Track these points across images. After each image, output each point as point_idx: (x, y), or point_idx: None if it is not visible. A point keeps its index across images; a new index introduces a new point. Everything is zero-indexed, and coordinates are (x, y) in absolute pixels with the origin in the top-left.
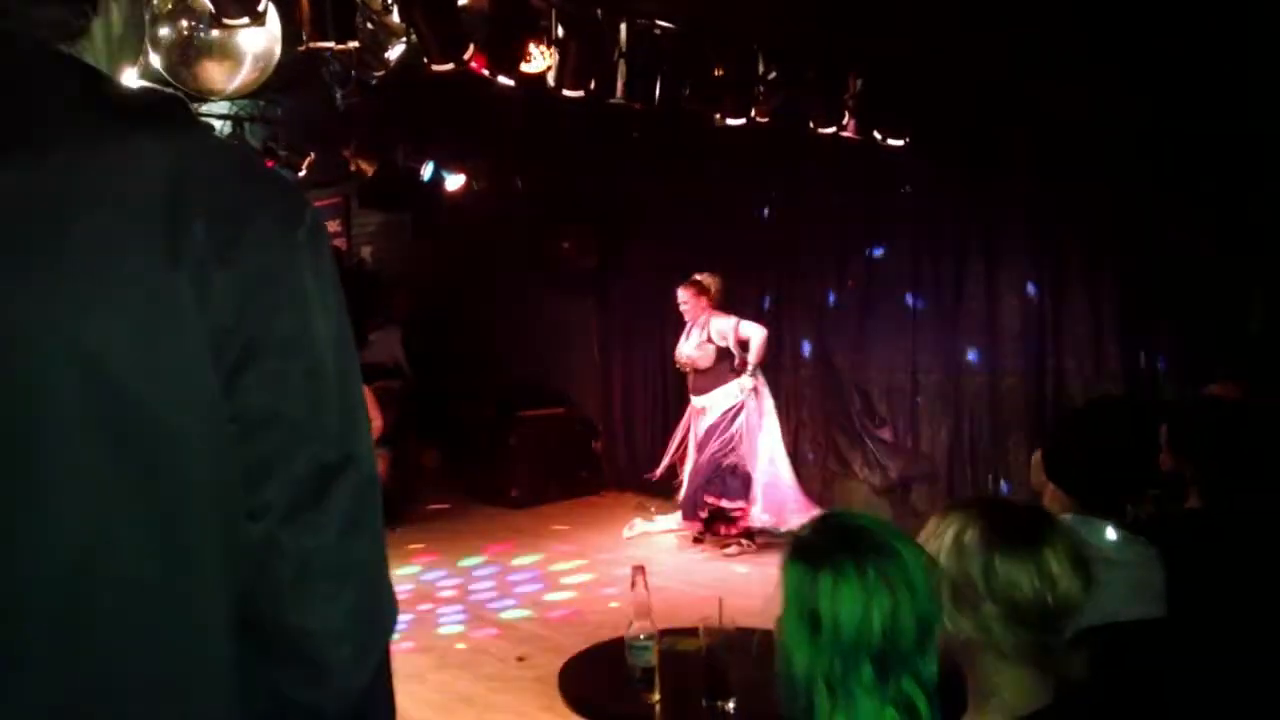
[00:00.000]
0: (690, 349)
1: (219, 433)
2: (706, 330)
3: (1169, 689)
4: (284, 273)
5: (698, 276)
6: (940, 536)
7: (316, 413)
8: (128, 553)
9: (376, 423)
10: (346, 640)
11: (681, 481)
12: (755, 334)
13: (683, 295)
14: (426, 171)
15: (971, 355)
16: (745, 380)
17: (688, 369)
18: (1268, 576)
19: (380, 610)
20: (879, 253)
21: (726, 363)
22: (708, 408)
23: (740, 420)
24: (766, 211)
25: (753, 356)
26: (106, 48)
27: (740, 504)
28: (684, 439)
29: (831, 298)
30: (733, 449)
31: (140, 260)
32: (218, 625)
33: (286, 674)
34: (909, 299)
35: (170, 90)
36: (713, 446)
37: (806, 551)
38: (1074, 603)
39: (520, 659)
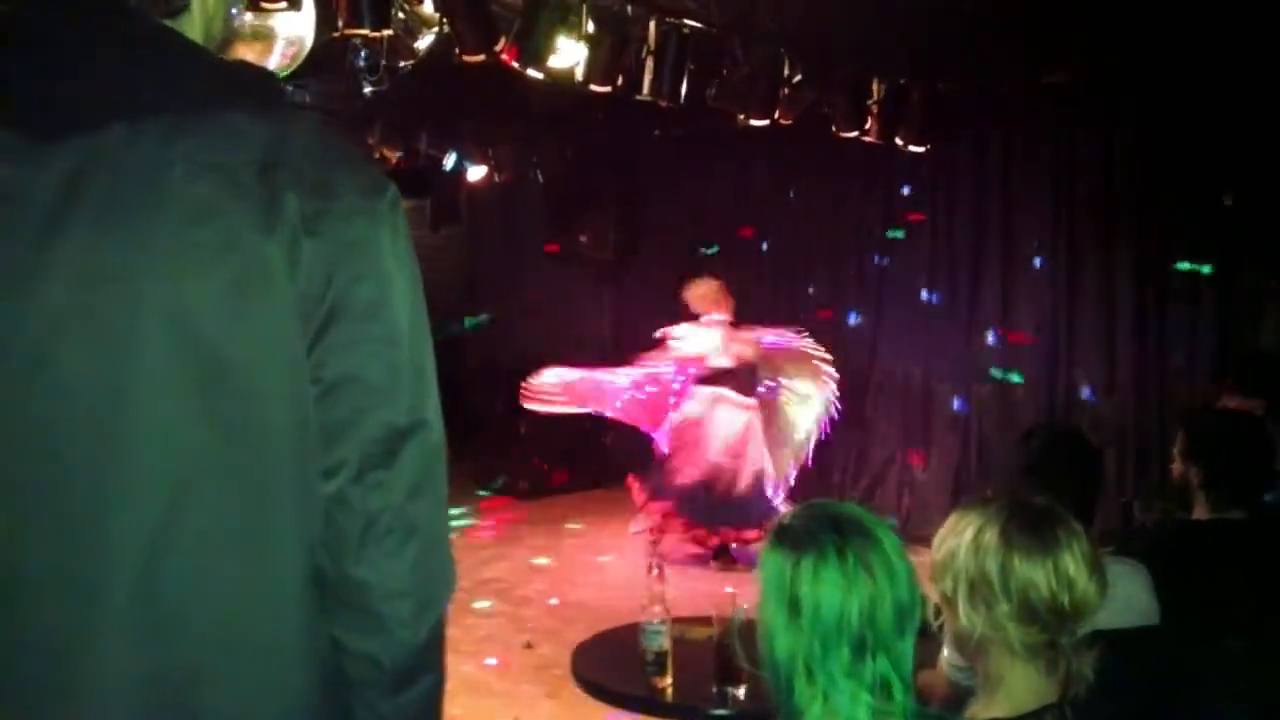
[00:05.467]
0: (717, 351)
1: (302, 393)
2: (728, 337)
3: (1159, 695)
4: (366, 243)
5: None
6: (959, 534)
7: (392, 378)
8: (210, 504)
9: None
10: (407, 597)
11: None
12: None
13: (707, 290)
14: (449, 162)
15: (983, 359)
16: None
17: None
18: (1266, 584)
19: (441, 571)
20: (893, 254)
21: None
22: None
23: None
24: (782, 209)
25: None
26: (203, 24)
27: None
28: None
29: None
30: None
31: (236, 226)
32: (292, 576)
33: (348, 625)
34: (923, 301)
35: (264, 67)
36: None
37: (788, 537)
38: (1089, 605)
39: (528, 646)
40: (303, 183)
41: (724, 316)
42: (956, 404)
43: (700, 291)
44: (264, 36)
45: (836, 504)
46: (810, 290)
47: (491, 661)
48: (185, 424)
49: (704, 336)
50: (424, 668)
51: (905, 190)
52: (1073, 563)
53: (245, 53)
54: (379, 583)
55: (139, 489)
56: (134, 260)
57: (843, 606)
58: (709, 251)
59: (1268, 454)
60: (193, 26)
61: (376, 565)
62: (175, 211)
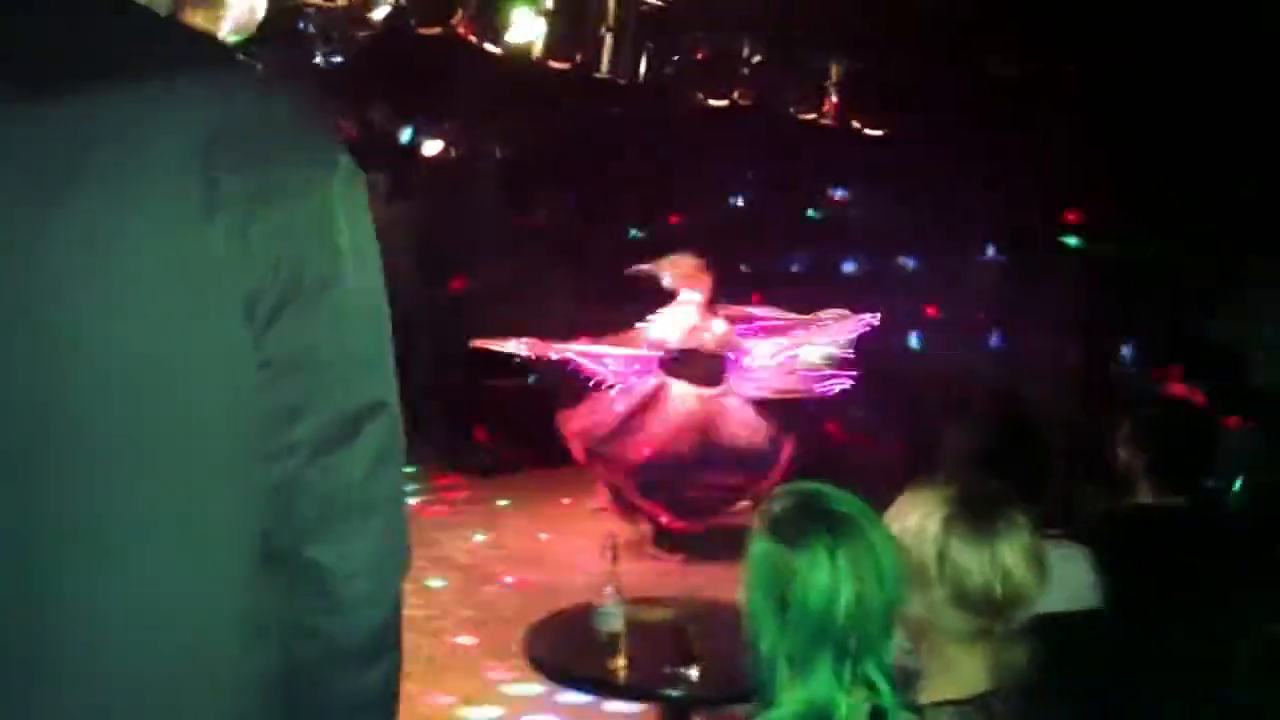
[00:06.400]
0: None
1: (246, 379)
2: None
3: (1104, 679)
4: (317, 219)
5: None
6: (906, 516)
7: (347, 359)
8: (147, 498)
9: None
10: (366, 576)
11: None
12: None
13: (685, 267)
14: (405, 135)
15: (935, 345)
16: None
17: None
18: (1207, 569)
19: (398, 549)
20: (850, 236)
21: None
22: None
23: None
24: (741, 189)
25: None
26: None
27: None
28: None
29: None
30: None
31: (170, 210)
32: (235, 563)
33: (307, 606)
34: (871, 281)
35: (211, 32)
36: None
37: (779, 529)
38: (1025, 595)
39: (483, 623)
40: (249, 158)
41: (699, 295)
42: (904, 386)
43: (678, 269)
44: (214, 3)
45: (830, 494)
46: (764, 269)
47: (442, 640)
48: (118, 418)
49: (674, 318)
50: (384, 647)
51: (858, 173)
52: (1010, 553)
53: (193, 19)
54: (337, 564)
55: (76, 488)
56: (57, 242)
57: (830, 609)
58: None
59: (1210, 442)
60: None
61: (334, 546)
62: (104, 195)
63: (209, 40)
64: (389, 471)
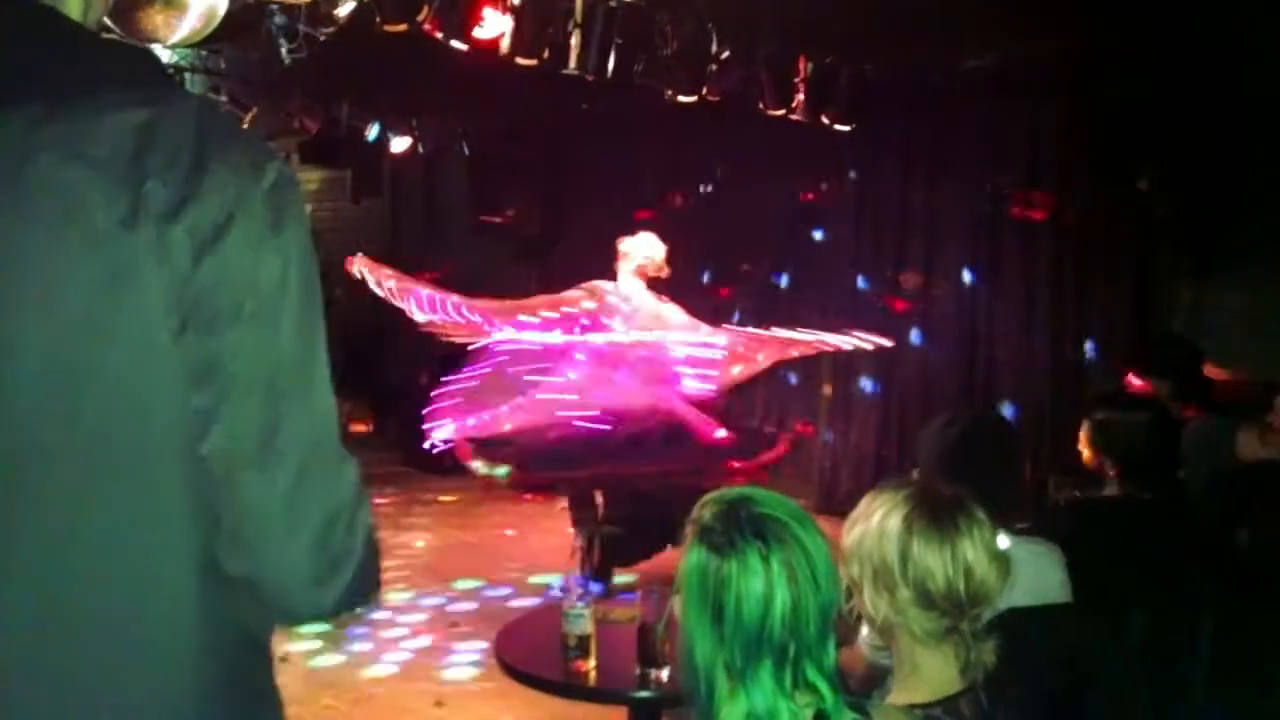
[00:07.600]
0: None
1: (179, 388)
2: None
3: (1080, 671)
4: (239, 227)
5: None
6: (868, 519)
7: (268, 363)
8: (93, 504)
9: None
10: (302, 583)
11: None
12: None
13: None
14: (372, 132)
15: (904, 340)
16: None
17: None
18: (1170, 558)
19: (342, 552)
20: (819, 235)
21: None
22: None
23: None
24: (710, 187)
25: None
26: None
27: None
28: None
29: (776, 277)
30: None
31: (102, 220)
32: (184, 571)
33: (248, 616)
34: (847, 281)
35: (140, 44)
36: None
37: (711, 538)
38: (987, 592)
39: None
40: (174, 168)
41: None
42: (876, 387)
43: (651, 249)
44: (176, 3)
45: (759, 498)
46: (734, 268)
47: (416, 639)
48: (58, 430)
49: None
50: (343, 604)
51: (832, 169)
52: (971, 550)
53: (155, 17)
54: (268, 573)
55: (31, 505)
56: (3, 259)
57: (766, 617)
58: None
59: (1174, 440)
60: (71, 3)
61: (263, 556)
62: (41, 206)
63: (137, 52)
64: (317, 477)
